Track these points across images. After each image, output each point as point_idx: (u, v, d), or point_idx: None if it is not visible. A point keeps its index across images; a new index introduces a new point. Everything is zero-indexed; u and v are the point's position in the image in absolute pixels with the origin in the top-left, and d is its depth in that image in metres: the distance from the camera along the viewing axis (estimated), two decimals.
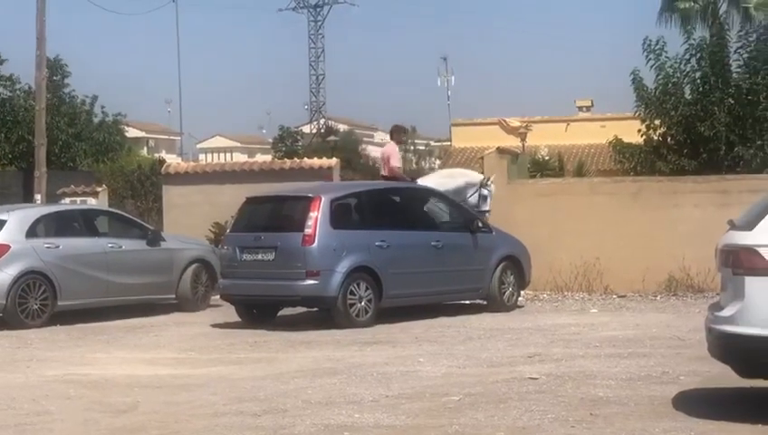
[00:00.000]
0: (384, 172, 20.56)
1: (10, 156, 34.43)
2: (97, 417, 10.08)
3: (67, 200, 25.40)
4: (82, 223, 19.62)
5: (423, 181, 20.78)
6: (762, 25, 26.88)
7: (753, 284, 8.98)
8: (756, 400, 9.80)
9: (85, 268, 18.55)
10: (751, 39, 24.69)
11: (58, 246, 18.37)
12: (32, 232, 18.30)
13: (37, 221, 18.68)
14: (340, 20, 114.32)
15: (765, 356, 8.86)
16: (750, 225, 9.43)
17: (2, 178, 29.38)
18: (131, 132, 48.78)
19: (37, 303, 17.88)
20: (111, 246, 19.13)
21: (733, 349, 9.22)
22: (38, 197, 26.49)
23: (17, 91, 36.33)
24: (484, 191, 20.07)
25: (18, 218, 18.52)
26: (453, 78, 71.40)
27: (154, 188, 26.08)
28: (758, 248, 8.99)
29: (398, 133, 21.29)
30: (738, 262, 9.18)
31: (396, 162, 20.43)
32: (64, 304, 18.21)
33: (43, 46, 28.16)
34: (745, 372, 9.49)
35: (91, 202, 25.09)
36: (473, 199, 19.99)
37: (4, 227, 18.07)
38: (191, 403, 10.66)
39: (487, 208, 20.01)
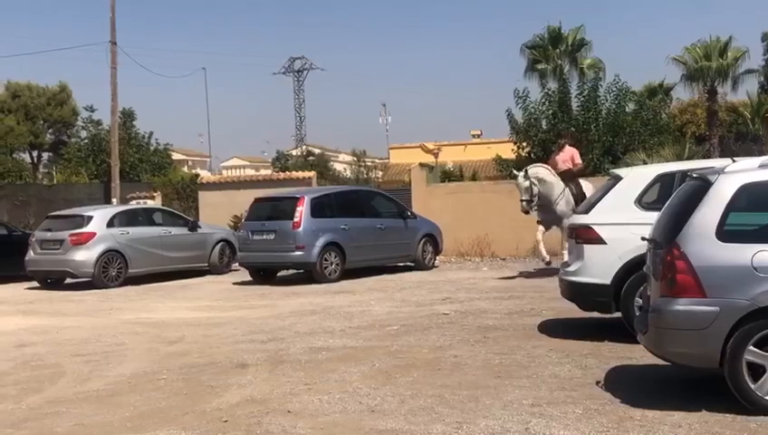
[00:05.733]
0: (568, 166, 15.86)
1: (96, 173, 34.36)
2: (157, 346, 10.00)
3: (134, 202, 25.18)
4: (144, 217, 19.40)
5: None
6: (591, 79, 26.93)
7: (588, 249, 9.03)
8: (592, 324, 9.85)
9: (147, 247, 18.32)
10: (584, 89, 24.82)
11: (128, 232, 18.11)
12: (110, 223, 18.04)
13: (114, 216, 18.38)
14: (315, 79, 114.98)
15: (597, 296, 8.91)
16: (587, 210, 9.50)
17: (90, 188, 29.04)
18: (176, 156, 48.25)
19: (115, 270, 17.69)
20: (165, 232, 18.91)
21: (576, 292, 9.27)
22: (114, 200, 26.18)
23: (101, 130, 36.55)
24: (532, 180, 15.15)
25: (101, 214, 18.32)
26: (389, 117, 70.93)
27: (192, 193, 25.87)
28: (592, 226, 9.05)
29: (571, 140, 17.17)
30: (579, 235, 9.23)
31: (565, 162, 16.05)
32: (133, 271, 18.00)
33: (116, 99, 27.97)
34: (585, 308, 9.56)
35: (150, 203, 24.85)
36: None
37: (92, 221, 17.88)
38: (220, 335, 10.58)
39: (531, 196, 14.98)
